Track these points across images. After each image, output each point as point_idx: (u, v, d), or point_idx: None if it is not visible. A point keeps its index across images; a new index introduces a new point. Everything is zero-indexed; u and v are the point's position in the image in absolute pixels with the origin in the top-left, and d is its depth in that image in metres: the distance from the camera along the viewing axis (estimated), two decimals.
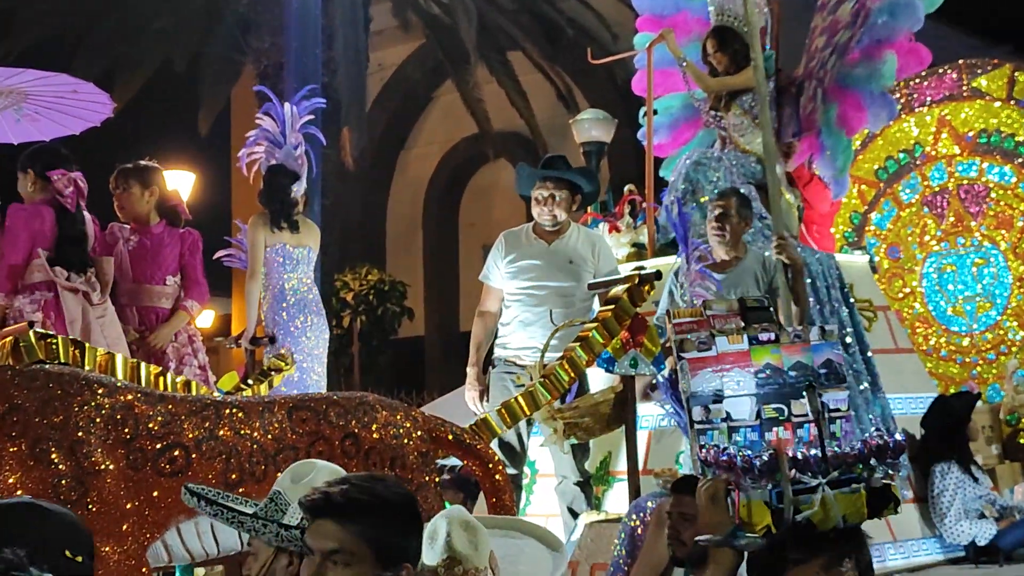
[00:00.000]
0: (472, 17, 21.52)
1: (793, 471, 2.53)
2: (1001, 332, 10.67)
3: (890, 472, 2.52)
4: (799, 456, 2.50)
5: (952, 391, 9.22)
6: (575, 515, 6.95)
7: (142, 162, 7.47)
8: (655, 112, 8.89)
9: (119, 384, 4.47)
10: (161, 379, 4.88)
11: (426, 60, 25.43)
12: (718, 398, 2.77)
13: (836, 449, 2.53)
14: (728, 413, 2.74)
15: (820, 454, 2.50)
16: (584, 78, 20.07)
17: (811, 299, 7.50)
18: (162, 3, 20.68)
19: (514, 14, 22.12)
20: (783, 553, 2.60)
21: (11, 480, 4.05)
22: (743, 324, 2.85)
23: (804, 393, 2.71)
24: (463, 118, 24.36)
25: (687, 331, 2.87)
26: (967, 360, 10.57)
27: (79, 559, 2.10)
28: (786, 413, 2.68)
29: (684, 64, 8.50)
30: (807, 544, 2.55)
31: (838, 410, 2.66)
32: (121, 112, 16.71)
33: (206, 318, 18.03)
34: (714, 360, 2.78)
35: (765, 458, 2.48)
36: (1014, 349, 10.53)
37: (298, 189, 7.87)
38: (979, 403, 8.92)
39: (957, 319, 10.73)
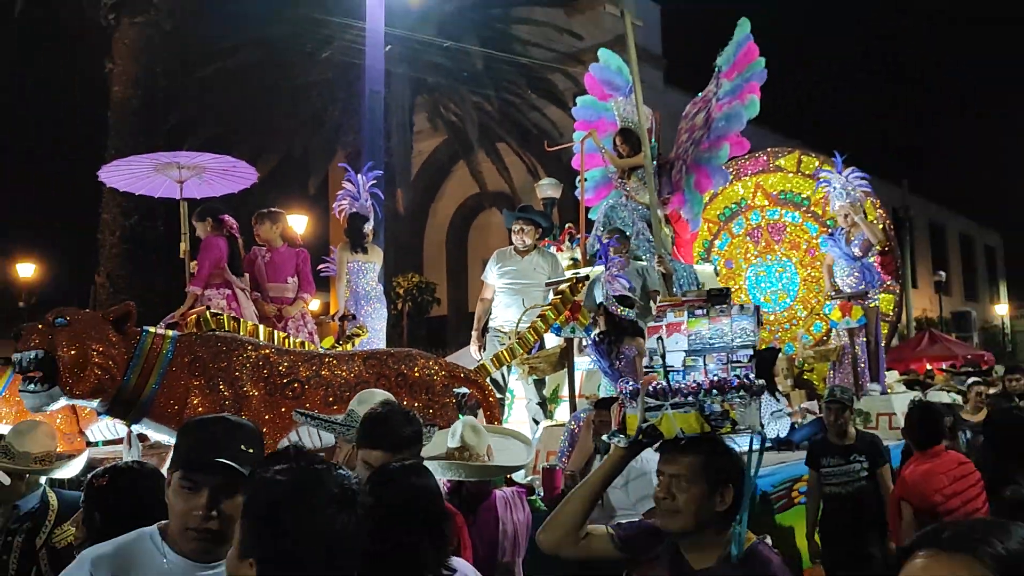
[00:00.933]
0: (474, 122, 21.55)
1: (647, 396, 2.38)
2: (792, 312, 10.72)
3: (726, 401, 2.28)
4: (656, 386, 2.34)
5: (762, 347, 9.23)
6: (537, 423, 6.95)
7: (272, 209, 7.50)
8: (585, 179, 8.89)
9: (261, 343, 4.46)
10: (286, 341, 4.86)
11: (447, 148, 25.46)
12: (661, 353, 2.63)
13: (683, 382, 2.34)
14: (663, 362, 2.59)
15: (666, 385, 2.32)
16: (543, 158, 20.03)
17: (679, 293, 7.50)
18: (287, 112, 20.69)
19: (500, 120, 22.18)
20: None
21: (195, 401, 4.04)
22: (708, 304, 2.62)
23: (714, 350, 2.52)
24: (470, 183, 24.40)
25: (666, 310, 2.75)
26: (772, 329, 10.61)
27: (251, 451, 2.05)
28: (701, 362, 2.51)
29: (603, 151, 8.52)
30: (650, 443, 2.39)
31: (740, 362, 2.45)
32: (263, 180, 16.65)
33: (314, 305, 17.99)
34: (663, 328, 2.63)
35: (634, 387, 2.38)
36: (800, 322, 10.57)
37: (369, 226, 7.85)
38: (780, 355, 8.97)
39: (766, 304, 10.75)
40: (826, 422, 5.95)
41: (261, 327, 4.89)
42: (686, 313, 2.62)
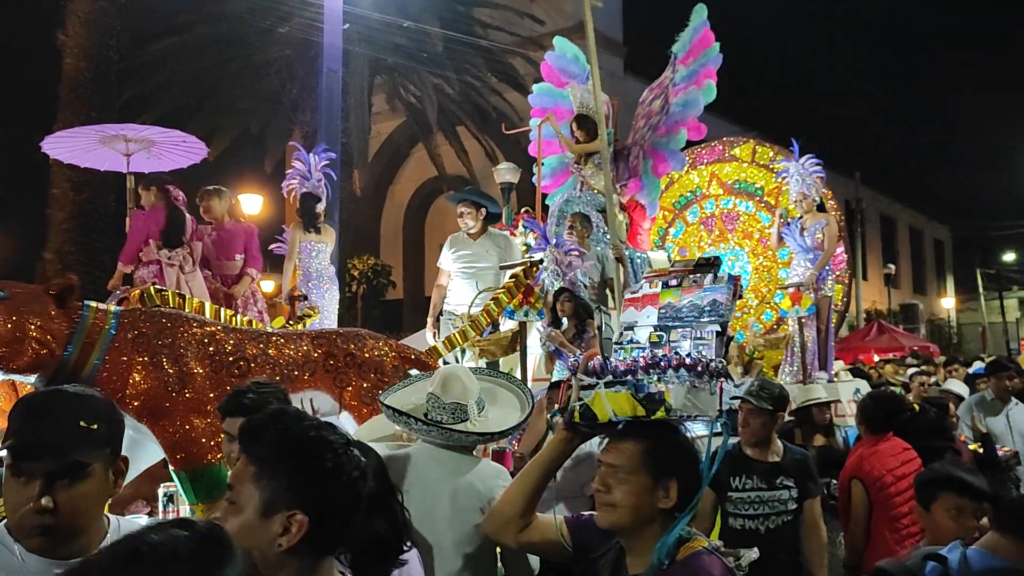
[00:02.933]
0: (434, 104, 21.40)
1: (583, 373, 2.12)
2: (743, 300, 10.80)
3: (658, 380, 1.98)
4: (594, 363, 2.07)
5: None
6: None
7: (218, 186, 7.45)
8: (543, 165, 8.86)
9: (207, 320, 4.36)
10: (233, 318, 4.78)
11: (406, 130, 25.27)
12: (631, 327, 2.35)
13: (621, 360, 2.06)
14: (632, 337, 2.31)
15: (603, 362, 2.05)
16: (502, 143, 19.98)
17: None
18: (243, 89, 20.34)
19: (460, 103, 22.04)
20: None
21: (138, 378, 3.93)
22: (695, 273, 2.30)
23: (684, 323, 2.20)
24: (428, 166, 24.24)
25: (652, 278, 2.52)
26: None
27: (94, 426, 1.81)
28: (665, 338, 2.22)
29: (560, 136, 8.49)
30: (589, 426, 2.13)
31: (704, 339, 2.17)
32: (218, 157, 16.35)
33: (268, 285, 17.78)
34: (637, 300, 2.36)
35: (574, 362, 2.14)
36: (751, 311, 10.67)
37: (321, 206, 7.77)
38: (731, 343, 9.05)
39: None
40: (739, 428, 4.29)
41: (207, 304, 4.80)
42: (660, 284, 2.38)
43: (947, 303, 40.62)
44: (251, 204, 15.17)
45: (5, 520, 1.80)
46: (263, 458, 1.57)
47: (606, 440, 2.13)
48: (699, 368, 2.01)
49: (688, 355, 2.05)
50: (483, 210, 7.43)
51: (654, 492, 2.00)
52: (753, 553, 2.03)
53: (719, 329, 2.18)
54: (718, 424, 2.09)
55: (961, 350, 30.60)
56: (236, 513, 1.55)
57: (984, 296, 36.94)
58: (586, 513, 2.35)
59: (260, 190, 16.99)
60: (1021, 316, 37.77)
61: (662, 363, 2.01)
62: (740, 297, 2.91)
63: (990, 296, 37.64)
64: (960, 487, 3.07)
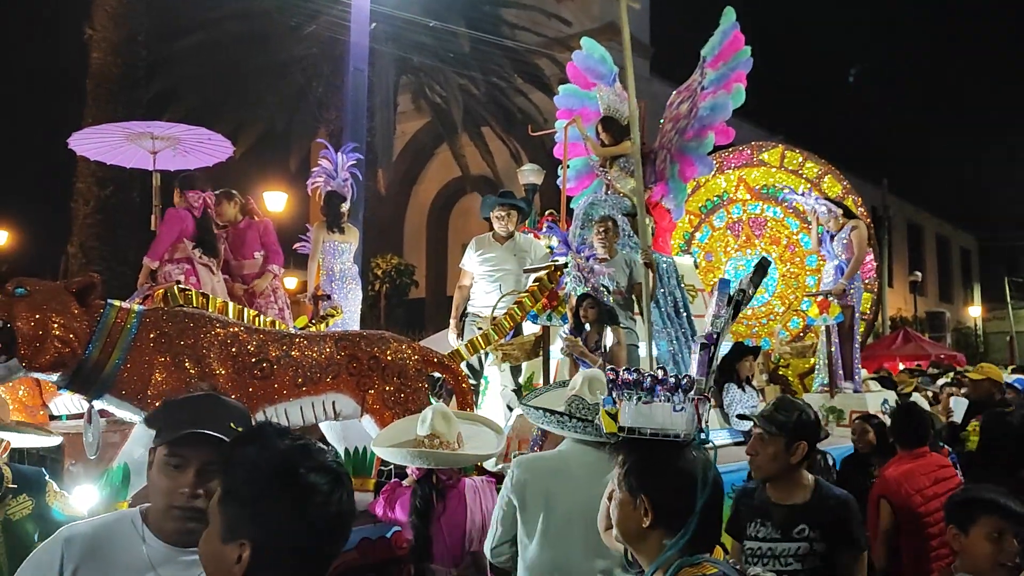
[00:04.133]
0: (459, 104, 21.38)
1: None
2: (770, 307, 10.69)
3: (613, 399, 1.99)
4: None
5: (738, 341, 9.20)
6: (511, 409, 6.86)
7: (228, 190, 7.45)
8: (568, 167, 8.78)
9: (229, 321, 4.32)
10: (256, 319, 4.73)
11: (431, 130, 25.29)
12: None
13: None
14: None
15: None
16: (526, 144, 19.90)
17: (659, 284, 7.43)
18: (270, 86, 20.39)
19: (485, 104, 21.99)
20: None
21: (159, 378, 3.89)
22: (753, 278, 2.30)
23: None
24: (452, 166, 24.22)
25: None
26: (750, 323, 10.58)
27: (240, 429, 1.98)
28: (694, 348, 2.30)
29: (586, 139, 8.40)
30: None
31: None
32: (244, 154, 16.39)
33: (291, 283, 17.82)
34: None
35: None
36: (777, 318, 10.56)
37: (346, 206, 7.73)
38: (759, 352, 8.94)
39: None
40: (748, 457, 3.48)
41: (231, 304, 4.76)
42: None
43: (974, 311, 40.15)
44: (275, 202, 15.20)
45: (141, 506, 2.05)
46: (227, 480, 1.58)
47: None
48: (645, 384, 1.98)
49: (626, 370, 2.05)
50: (522, 214, 7.42)
51: (634, 509, 1.93)
52: None
53: (704, 341, 2.17)
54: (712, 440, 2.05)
55: (988, 360, 30.20)
56: (209, 535, 1.59)
57: (1012, 305, 36.46)
58: None
59: (285, 188, 17.01)
60: None
61: (618, 379, 2.02)
62: (738, 305, 2.87)
63: (1018, 305, 37.15)
64: (1002, 511, 3.01)
